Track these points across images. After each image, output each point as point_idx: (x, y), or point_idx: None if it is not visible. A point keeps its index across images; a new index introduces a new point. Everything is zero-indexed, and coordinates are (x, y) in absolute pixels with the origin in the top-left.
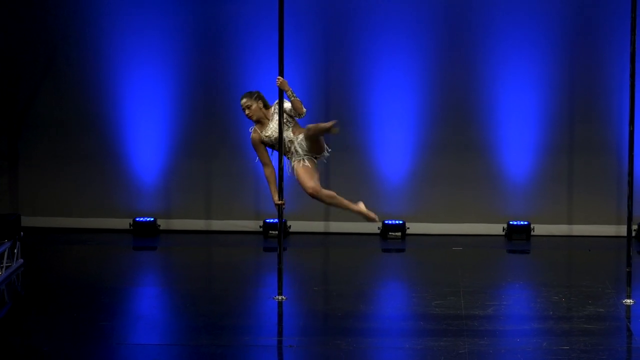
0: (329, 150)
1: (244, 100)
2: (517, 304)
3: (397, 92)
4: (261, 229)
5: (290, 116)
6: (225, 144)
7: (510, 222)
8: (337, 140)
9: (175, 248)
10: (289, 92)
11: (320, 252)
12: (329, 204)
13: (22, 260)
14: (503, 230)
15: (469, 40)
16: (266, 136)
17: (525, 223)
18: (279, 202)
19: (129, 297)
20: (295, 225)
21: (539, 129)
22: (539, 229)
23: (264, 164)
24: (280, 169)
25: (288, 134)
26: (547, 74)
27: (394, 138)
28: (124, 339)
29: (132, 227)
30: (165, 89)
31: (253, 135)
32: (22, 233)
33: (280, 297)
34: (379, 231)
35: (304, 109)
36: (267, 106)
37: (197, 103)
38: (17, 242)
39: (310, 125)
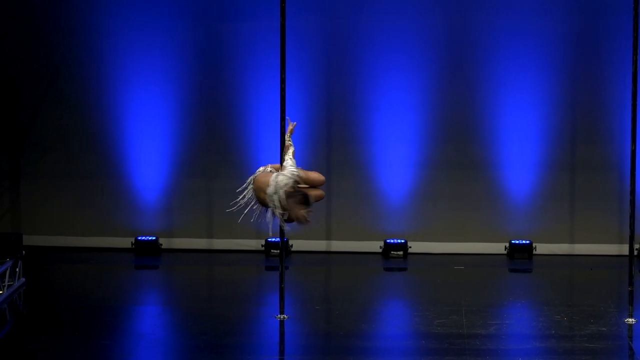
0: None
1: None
2: (519, 323)
3: (399, 110)
4: (263, 248)
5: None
6: (226, 163)
7: (512, 241)
8: (339, 159)
9: (177, 267)
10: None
11: (322, 271)
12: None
13: (23, 279)
14: (505, 249)
15: (471, 59)
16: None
17: (527, 242)
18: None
19: (130, 316)
20: (297, 244)
21: (540, 147)
22: (541, 248)
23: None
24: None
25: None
26: (549, 92)
27: (395, 157)
28: (126, 358)
29: (134, 246)
30: (167, 108)
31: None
32: (23, 252)
33: (282, 316)
34: (380, 250)
35: (287, 153)
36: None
37: (199, 122)
38: (19, 261)
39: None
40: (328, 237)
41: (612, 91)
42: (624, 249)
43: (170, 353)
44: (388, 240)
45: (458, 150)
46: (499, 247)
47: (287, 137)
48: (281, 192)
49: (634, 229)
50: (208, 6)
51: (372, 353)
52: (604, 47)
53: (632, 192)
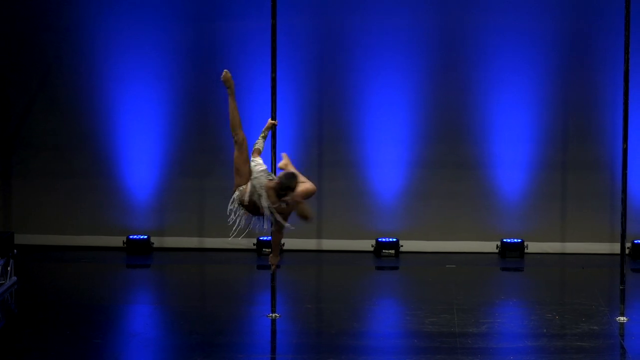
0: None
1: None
2: (511, 322)
3: (391, 109)
4: (254, 247)
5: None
6: (218, 162)
7: (504, 240)
8: (330, 158)
9: (168, 266)
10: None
11: (314, 270)
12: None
13: (15, 278)
14: (497, 248)
15: (463, 58)
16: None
17: (519, 241)
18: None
19: (122, 314)
20: (289, 243)
21: (532, 146)
22: (532, 247)
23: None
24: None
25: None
26: (541, 92)
27: (387, 155)
28: (118, 357)
29: (125, 245)
30: (159, 107)
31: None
32: (15, 251)
33: (273, 315)
34: (372, 249)
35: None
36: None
37: (191, 121)
38: (11, 260)
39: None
40: (319, 236)
41: (604, 90)
42: (616, 248)
43: (161, 352)
44: (380, 239)
45: (450, 149)
46: (491, 246)
47: (260, 136)
48: (262, 192)
49: (625, 227)
50: (200, 5)
51: (364, 352)
52: (595, 46)
53: (624, 190)
